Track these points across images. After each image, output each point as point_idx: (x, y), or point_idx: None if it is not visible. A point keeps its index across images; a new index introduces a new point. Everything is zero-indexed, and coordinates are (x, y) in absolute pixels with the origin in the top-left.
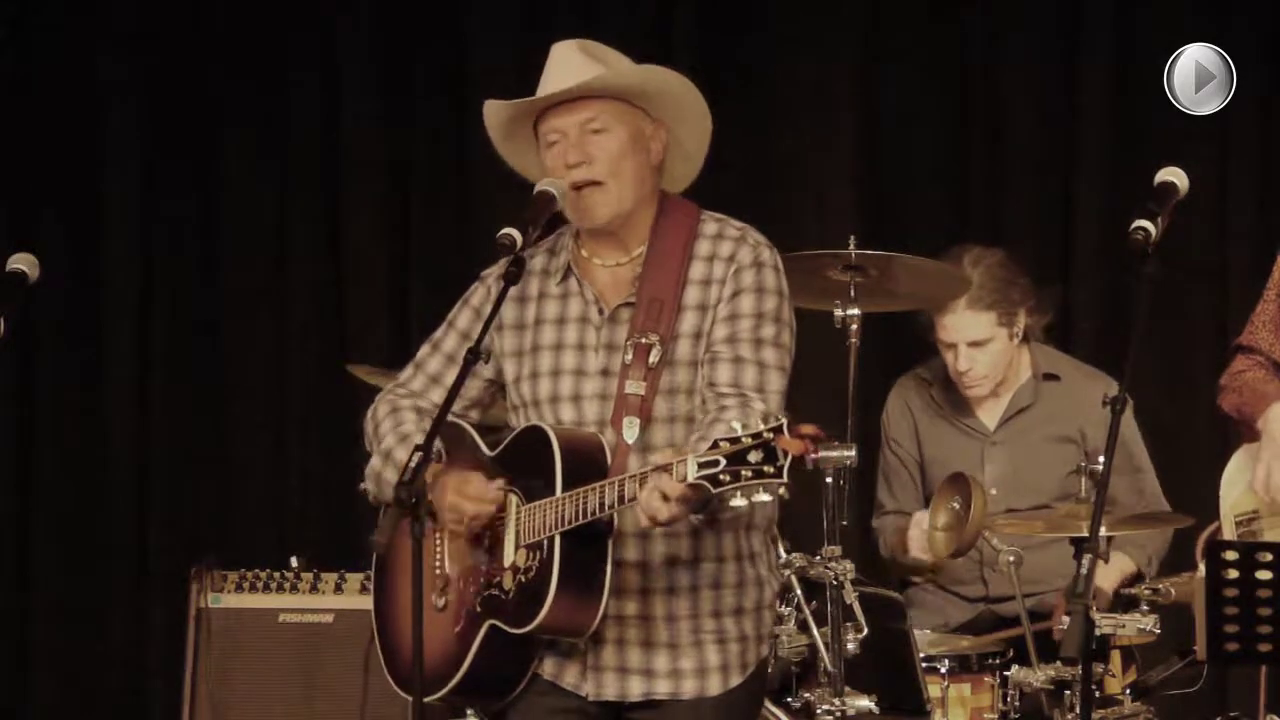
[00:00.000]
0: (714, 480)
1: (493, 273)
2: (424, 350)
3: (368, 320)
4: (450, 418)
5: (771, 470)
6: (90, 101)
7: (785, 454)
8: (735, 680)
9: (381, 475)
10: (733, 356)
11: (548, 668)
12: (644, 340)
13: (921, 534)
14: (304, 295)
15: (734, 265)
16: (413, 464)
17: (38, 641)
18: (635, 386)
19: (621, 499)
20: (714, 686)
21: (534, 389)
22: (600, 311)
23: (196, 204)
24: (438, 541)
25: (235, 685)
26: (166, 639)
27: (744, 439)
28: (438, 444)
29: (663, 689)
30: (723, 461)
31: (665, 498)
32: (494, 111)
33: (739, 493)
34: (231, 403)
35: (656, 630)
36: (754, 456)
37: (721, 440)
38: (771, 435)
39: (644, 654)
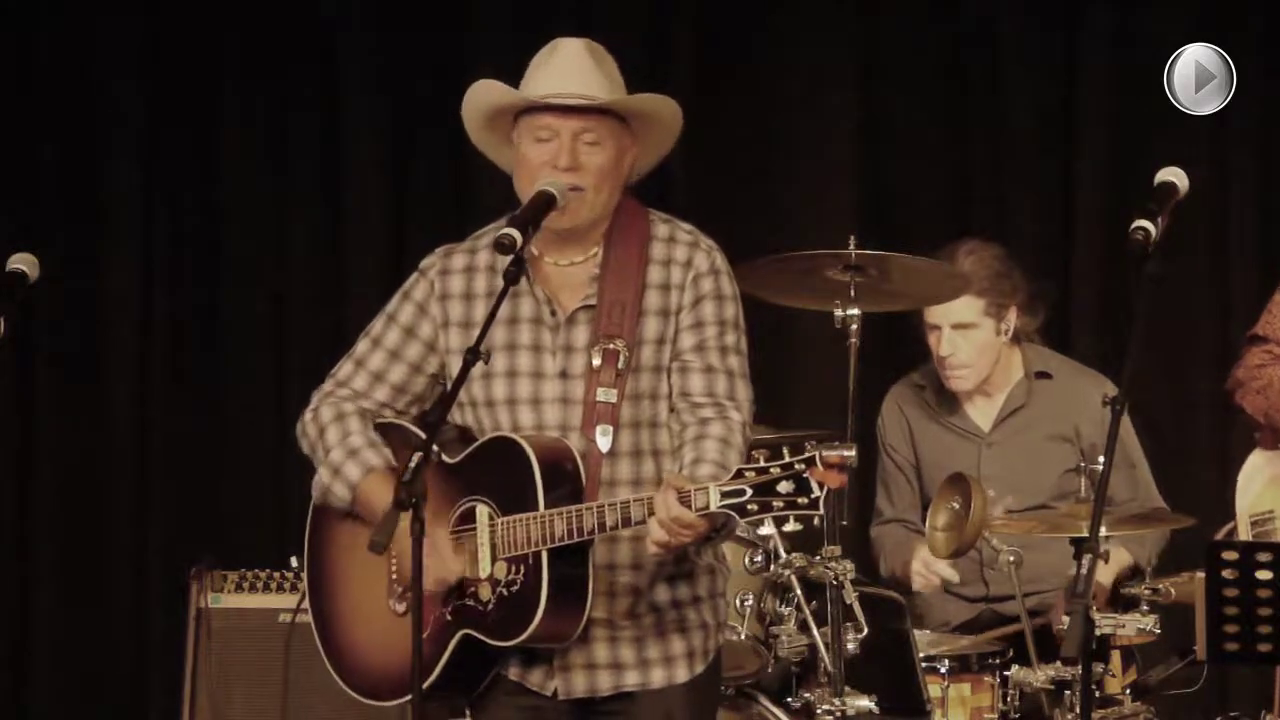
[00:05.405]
0: (740, 510)
1: (431, 265)
2: (363, 346)
3: (368, 320)
4: (389, 418)
5: (806, 501)
6: (90, 100)
7: (821, 486)
8: (700, 667)
9: (330, 490)
10: (704, 366)
11: (513, 668)
12: (611, 346)
13: (926, 571)
14: (304, 295)
15: (692, 271)
16: (413, 465)
17: (38, 641)
18: (606, 394)
19: (626, 521)
20: (681, 674)
21: (487, 389)
22: (553, 313)
23: (196, 204)
24: (393, 550)
25: (235, 685)
26: (166, 639)
27: (773, 469)
28: (388, 452)
29: (631, 680)
30: (749, 491)
31: (683, 526)
32: (490, 95)
33: (769, 521)
34: (231, 403)
35: (621, 626)
36: (784, 487)
37: (747, 470)
38: (804, 467)
39: (610, 649)
